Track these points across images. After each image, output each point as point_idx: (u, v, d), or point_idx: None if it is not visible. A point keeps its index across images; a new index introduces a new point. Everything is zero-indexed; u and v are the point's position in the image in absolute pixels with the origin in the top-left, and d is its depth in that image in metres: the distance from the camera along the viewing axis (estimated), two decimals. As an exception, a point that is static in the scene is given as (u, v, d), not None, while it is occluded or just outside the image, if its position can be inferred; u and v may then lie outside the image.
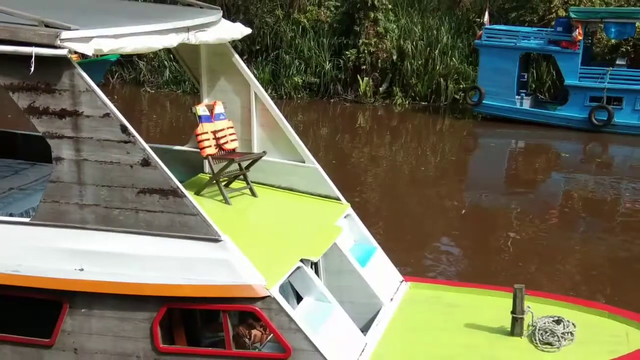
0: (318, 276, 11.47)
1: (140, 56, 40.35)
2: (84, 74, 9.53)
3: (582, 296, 13.87)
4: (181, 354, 10.15)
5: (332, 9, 40.33)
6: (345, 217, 12.83)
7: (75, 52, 9.41)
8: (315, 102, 38.49)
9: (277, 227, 12.04)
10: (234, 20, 13.24)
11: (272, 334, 9.93)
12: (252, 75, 13.24)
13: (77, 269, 9.90)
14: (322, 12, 40.08)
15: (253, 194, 12.93)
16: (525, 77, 34.60)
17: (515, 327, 10.72)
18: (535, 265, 18.03)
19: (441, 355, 10.42)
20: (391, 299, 12.19)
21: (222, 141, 12.89)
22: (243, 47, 37.54)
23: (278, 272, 10.17)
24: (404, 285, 12.78)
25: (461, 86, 37.12)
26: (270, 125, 13.19)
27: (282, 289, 10.20)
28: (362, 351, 10.49)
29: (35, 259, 10.01)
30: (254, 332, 10.38)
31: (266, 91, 13.40)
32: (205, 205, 10.42)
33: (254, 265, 9.76)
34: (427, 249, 19.13)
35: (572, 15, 32.04)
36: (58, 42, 9.27)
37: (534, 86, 36.03)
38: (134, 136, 9.56)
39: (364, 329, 11.12)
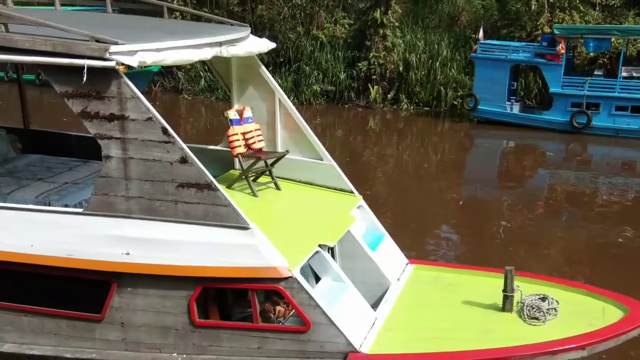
0: (334, 259, 11.46)
1: (179, 67, 40.38)
2: (130, 83, 9.55)
3: (565, 277, 13.78)
4: (214, 327, 10.15)
5: (347, 26, 40.30)
6: (357, 207, 12.81)
7: (122, 64, 9.42)
8: (332, 107, 38.44)
9: (298, 217, 12.03)
10: (260, 36, 13.23)
11: (294, 310, 9.95)
12: (276, 84, 13.23)
13: (123, 253, 9.92)
14: (337, 29, 40.06)
15: (277, 187, 12.92)
16: (515, 85, 34.52)
17: (506, 304, 10.68)
18: (524, 249, 17.99)
19: (441, 328, 10.37)
20: (398, 279, 12.17)
21: (250, 141, 12.90)
22: (268, 59, 37.47)
23: (299, 256, 10.19)
24: (409, 267, 12.75)
25: (459, 93, 37.03)
26: (292, 128, 13.17)
27: (303, 271, 10.17)
28: (373, 325, 10.49)
29: (87, 245, 10.04)
30: (278, 308, 10.38)
31: (288, 98, 13.39)
32: (236, 198, 10.41)
33: (278, 249, 9.78)
34: (429, 235, 19.09)
35: (556, 31, 31.98)
36: (107, 55, 9.31)
37: (522, 93, 35.94)
38: (173, 137, 9.57)
39: (374, 306, 11.10)
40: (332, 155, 13.18)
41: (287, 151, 13.17)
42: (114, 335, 10.43)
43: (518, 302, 10.70)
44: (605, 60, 35.79)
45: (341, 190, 13.07)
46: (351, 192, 13.05)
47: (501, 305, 10.75)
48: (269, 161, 12.98)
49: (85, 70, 9.35)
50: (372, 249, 12.19)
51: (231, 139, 12.71)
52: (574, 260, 17.44)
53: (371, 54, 38.06)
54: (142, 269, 9.96)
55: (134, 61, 9.49)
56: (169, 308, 10.10)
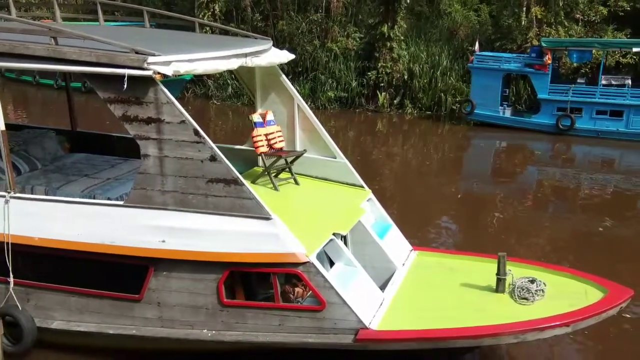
0: (346, 246, 11.43)
1: (208, 76, 40.31)
2: (165, 90, 9.59)
3: (551, 262, 13.73)
4: (240, 306, 10.17)
5: (358, 39, 40.16)
6: (367, 200, 12.81)
7: (159, 73, 9.45)
8: (344, 111, 38.33)
9: (314, 208, 12.03)
10: (281, 48, 13.20)
11: (311, 291, 9.92)
12: (295, 91, 13.24)
13: (160, 241, 9.97)
14: (349, 42, 39.91)
15: (296, 182, 12.92)
16: (507, 92, 34.32)
17: (499, 286, 10.67)
18: (515, 237, 17.90)
19: (442, 307, 10.38)
20: (403, 264, 12.15)
21: (272, 142, 12.93)
22: (288, 69, 37.35)
23: (315, 243, 10.21)
24: (413, 253, 12.73)
25: (457, 99, 36.82)
26: (309, 129, 13.17)
27: (319, 256, 10.18)
28: (381, 304, 10.49)
29: (127, 233, 10.11)
30: (296, 289, 10.39)
31: (306, 103, 13.36)
32: (259, 192, 10.40)
33: (296, 237, 9.80)
34: (431, 225, 19.01)
35: (543, 44, 31.84)
36: (145, 65, 9.38)
37: (513, 99, 35.69)
38: (204, 138, 9.61)
39: (382, 287, 11.07)
40: (344, 154, 13.20)
41: (305, 150, 13.17)
42: (151, 314, 10.48)
43: (510, 284, 10.68)
44: (587, 69, 35.66)
45: (353, 185, 13.08)
46: (362, 186, 13.06)
47: (495, 287, 10.73)
48: (289, 159, 13.00)
49: (125, 78, 9.41)
50: (380, 237, 12.19)
51: (255, 139, 12.74)
52: (560, 247, 17.34)
53: (379, 64, 37.94)
54: (176, 255, 10.02)
55: (169, 70, 9.52)
56: (200, 290, 10.13)
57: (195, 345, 10.45)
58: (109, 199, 11.31)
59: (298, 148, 13.32)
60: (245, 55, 11.20)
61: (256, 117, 12.88)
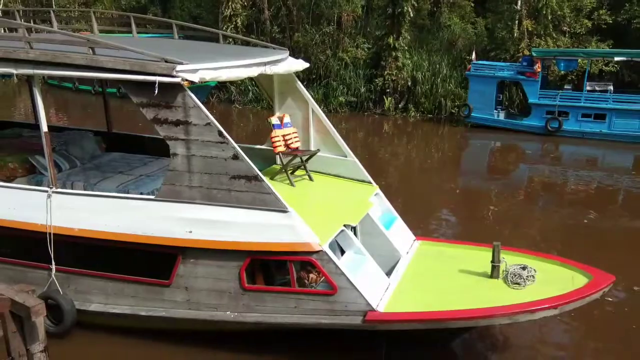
0: (356, 236, 11.39)
1: (231, 82, 40.36)
2: (192, 95, 9.61)
3: (541, 250, 13.62)
4: (260, 291, 10.18)
5: (366, 49, 40.16)
6: (375, 195, 12.79)
7: (186, 80, 9.46)
8: (354, 115, 38.30)
9: (327, 202, 12.00)
10: (297, 58, 13.17)
11: (323, 277, 9.90)
12: (309, 96, 13.22)
13: (187, 231, 10.01)
14: (359, 52, 39.92)
15: (310, 179, 12.91)
16: (501, 97, 34.27)
17: (494, 272, 10.63)
18: (508, 228, 17.84)
19: (442, 292, 10.35)
20: (407, 253, 12.11)
21: (288, 142, 12.93)
22: (303, 76, 37.34)
23: (328, 234, 10.23)
24: (416, 243, 12.69)
25: (456, 103, 36.76)
26: (322, 131, 13.15)
27: (331, 246, 10.21)
28: (387, 289, 10.48)
29: (158, 225, 10.16)
30: (311, 275, 10.34)
31: (319, 107, 13.33)
32: (277, 187, 10.37)
33: (311, 228, 9.81)
34: (432, 217, 18.96)
35: (534, 54, 31.81)
36: (174, 73, 9.42)
37: (507, 103, 35.59)
38: (227, 138, 9.63)
39: (388, 274, 11.04)
40: (354, 153, 13.18)
41: (318, 150, 13.17)
42: (179, 297, 10.51)
43: (503, 271, 10.65)
44: (573, 77, 35.58)
45: (361, 181, 13.07)
46: (370, 182, 13.05)
47: (490, 273, 10.69)
48: (304, 158, 13.00)
49: (156, 85, 9.43)
50: (387, 228, 12.17)
51: (273, 140, 12.76)
52: (549, 237, 17.27)
53: (385, 72, 37.91)
54: (202, 244, 10.04)
55: (195, 78, 9.55)
56: (224, 275, 10.15)
57: (219, 325, 10.46)
58: (141, 193, 11.36)
59: (312, 148, 13.29)
60: (265, 64, 11.20)
61: (274, 120, 12.88)
